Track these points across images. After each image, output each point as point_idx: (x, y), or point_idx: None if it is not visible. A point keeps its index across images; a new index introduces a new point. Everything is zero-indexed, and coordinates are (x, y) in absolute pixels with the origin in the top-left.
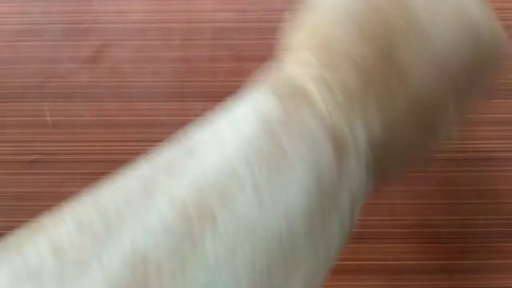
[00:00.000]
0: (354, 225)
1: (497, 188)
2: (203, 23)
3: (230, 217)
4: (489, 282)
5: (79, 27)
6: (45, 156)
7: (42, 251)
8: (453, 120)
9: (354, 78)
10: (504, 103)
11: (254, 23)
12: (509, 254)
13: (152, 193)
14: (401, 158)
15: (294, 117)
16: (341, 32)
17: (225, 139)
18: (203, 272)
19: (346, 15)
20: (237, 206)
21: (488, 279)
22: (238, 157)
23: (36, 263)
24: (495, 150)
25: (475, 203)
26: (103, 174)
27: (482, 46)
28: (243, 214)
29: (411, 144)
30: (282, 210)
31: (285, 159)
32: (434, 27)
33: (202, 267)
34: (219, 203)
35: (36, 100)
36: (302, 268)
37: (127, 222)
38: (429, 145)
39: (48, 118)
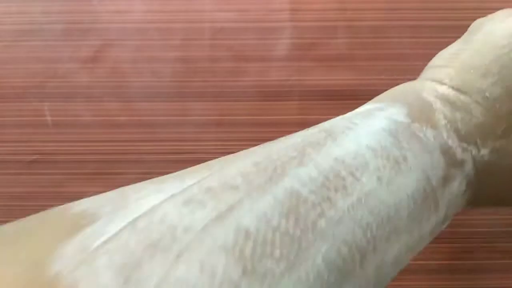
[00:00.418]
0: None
1: None
2: (203, 23)
3: (355, 187)
4: (489, 282)
5: (79, 27)
6: (45, 156)
7: (237, 174)
8: None
9: (478, 107)
10: None
11: (254, 23)
12: (509, 254)
13: (304, 158)
14: (500, 196)
15: (417, 126)
16: (480, 66)
17: (359, 130)
18: (332, 223)
19: (491, 56)
20: (361, 182)
21: (488, 279)
22: (368, 147)
23: (234, 179)
24: None
25: None
26: (103, 174)
27: None
28: (364, 188)
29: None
30: (394, 193)
31: (403, 158)
32: None
33: (333, 218)
34: (350, 176)
35: (36, 100)
36: (398, 243)
37: (286, 169)
38: None
39: (48, 118)
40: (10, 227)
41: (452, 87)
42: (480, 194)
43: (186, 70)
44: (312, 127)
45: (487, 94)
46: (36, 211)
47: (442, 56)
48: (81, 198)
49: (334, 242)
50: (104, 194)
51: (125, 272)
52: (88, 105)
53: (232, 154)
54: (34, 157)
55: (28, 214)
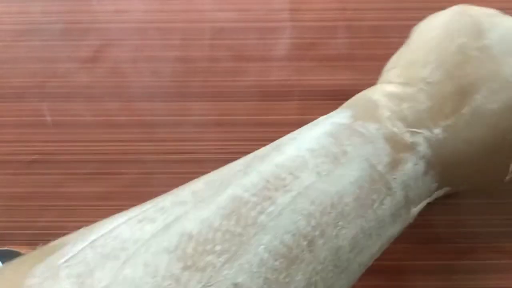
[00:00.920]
0: (412, 218)
1: (497, 188)
2: (203, 23)
3: (294, 184)
4: (488, 282)
5: (79, 27)
6: (45, 156)
7: (188, 193)
8: None
9: (423, 94)
10: None
11: (254, 23)
12: (509, 254)
13: (248, 170)
14: (472, 170)
15: (359, 123)
16: (419, 59)
17: (302, 138)
18: (272, 217)
19: (427, 48)
20: (301, 178)
21: (487, 279)
22: (307, 150)
23: (184, 197)
24: None
25: (474, 203)
26: (102, 174)
27: None
28: (304, 183)
29: (478, 157)
30: (335, 183)
31: (343, 153)
32: (504, 55)
33: (272, 212)
34: (289, 176)
35: (36, 100)
36: (350, 227)
37: (231, 181)
38: (498, 163)
39: (48, 118)
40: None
41: (400, 83)
42: (451, 174)
43: (186, 70)
44: (265, 146)
45: (429, 80)
46: (36, 211)
47: (391, 60)
48: (81, 198)
49: (276, 233)
50: (81, 229)
51: (80, 279)
52: (88, 105)
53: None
54: (34, 157)
55: (28, 214)
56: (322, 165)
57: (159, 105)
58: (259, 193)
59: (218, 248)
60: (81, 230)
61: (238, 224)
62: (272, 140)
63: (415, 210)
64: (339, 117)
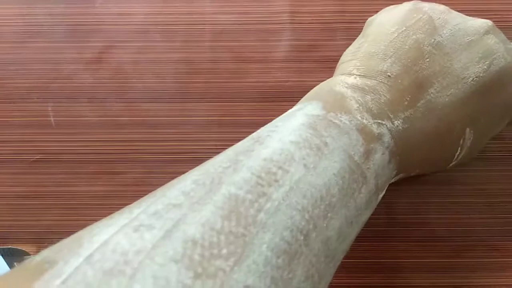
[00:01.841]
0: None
1: (493, 187)
2: (204, 25)
3: (286, 178)
4: (485, 280)
5: (82, 28)
6: (48, 156)
7: (179, 194)
8: (468, 139)
9: (384, 86)
10: None
11: (254, 25)
12: (506, 253)
13: (237, 165)
14: (425, 157)
15: (332, 115)
16: (378, 52)
17: (282, 131)
18: (270, 214)
19: (386, 41)
20: (291, 172)
21: (484, 277)
22: (291, 142)
23: (176, 199)
24: (492, 150)
25: (471, 202)
26: (105, 174)
27: (502, 86)
28: (294, 177)
29: (430, 145)
30: (322, 175)
31: (324, 144)
32: (455, 52)
33: (269, 209)
34: (279, 170)
35: (40, 100)
36: (337, 217)
37: (223, 179)
38: (446, 151)
39: (52, 119)
40: None
41: (359, 75)
42: (407, 161)
43: (187, 71)
44: (242, 140)
45: (389, 74)
46: (40, 210)
47: (348, 53)
48: (84, 197)
49: (275, 230)
50: (60, 241)
51: None
52: (91, 105)
53: (173, 179)
54: (37, 156)
55: (32, 213)
56: (307, 158)
57: (161, 105)
58: (253, 190)
59: (224, 251)
60: (66, 242)
61: (239, 224)
62: None
63: (381, 196)
64: (311, 108)
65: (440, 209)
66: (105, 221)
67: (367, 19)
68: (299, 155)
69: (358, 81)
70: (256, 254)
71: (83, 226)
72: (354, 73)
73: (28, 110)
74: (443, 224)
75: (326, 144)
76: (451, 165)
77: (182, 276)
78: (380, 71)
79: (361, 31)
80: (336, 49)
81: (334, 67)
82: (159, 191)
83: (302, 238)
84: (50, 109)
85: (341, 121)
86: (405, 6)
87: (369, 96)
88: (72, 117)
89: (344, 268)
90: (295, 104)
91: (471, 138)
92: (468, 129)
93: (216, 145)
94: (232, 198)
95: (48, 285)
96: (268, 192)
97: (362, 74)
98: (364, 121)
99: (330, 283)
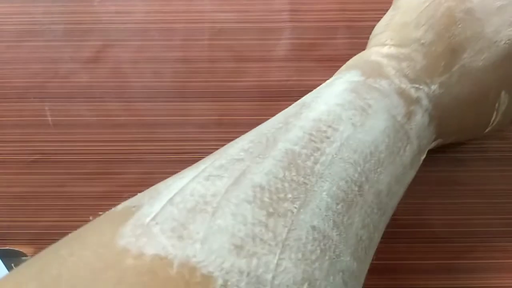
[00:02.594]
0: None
1: (495, 188)
2: (203, 23)
3: (336, 136)
4: (488, 281)
5: (80, 27)
6: (46, 156)
7: (239, 151)
8: (504, 106)
9: (418, 54)
10: None
11: (254, 24)
12: (508, 254)
13: (288, 126)
14: (461, 123)
15: (371, 80)
16: (411, 21)
17: (326, 96)
18: (326, 166)
19: (418, 11)
20: (340, 130)
21: (487, 278)
22: (337, 105)
23: (238, 155)
24: (492, 150)
25: (473, 202)
26: (103, 174)
27: None
28: (344, 135)
29: (466, 110)
30: (369, 133)
31: (368, 106)
32: (486, 17)
33: (325, 161)
34: (329, 128)
35: (37, 100)
36: (386, 173)
37: (278, 138)
38: (482, 116)
39: (49, 118)
40: (71, 234)
41: (393, 45)
42: (445, 125)
43: (186, 71)
44: (289, 106)
45: (422, 41)
46: (37, 210)
47: (380, 25)
48: (82, 198)
49: (332, 180)
50: (138, 194)
51: (176, 233)
52: (89, 105)
53: (229, 143)
54: (35, 157)
55: (29, 214)
56: (354, 117)
57: (160, 105)
58: (307, 146)
59: (289, 196)
60: (145, 193)
61: (299, 174)
62: None
63: (422, 158)
64: (350, 76)
65: (441, 209)
66: (176, 176)
67: (368, 17)
68: (346, 115)
69: (392, 50)
70: (318, 200)
71: (81, 227)
72: (388, 43)
73: (25, 110)
74: (444, 225)
75: (369, 105)
76: (487, 130)
77: (256, 214)
78: (414, 39)
79: (361, 29)
80: (336, 47)
81: (335, 66)
82: (219, 151)
83: (356, 189)
84: (47, 108)
85: (380, 85)
86: None
87: (404, 64)
88: (70, 116)
89: None
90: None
91: (506, 102)
92: (503, 92)
93: (215, 145)
94: (288, 152)
95: (140, 222)
96: (321, 148)
97: (397, 43)
98: (403, 85)
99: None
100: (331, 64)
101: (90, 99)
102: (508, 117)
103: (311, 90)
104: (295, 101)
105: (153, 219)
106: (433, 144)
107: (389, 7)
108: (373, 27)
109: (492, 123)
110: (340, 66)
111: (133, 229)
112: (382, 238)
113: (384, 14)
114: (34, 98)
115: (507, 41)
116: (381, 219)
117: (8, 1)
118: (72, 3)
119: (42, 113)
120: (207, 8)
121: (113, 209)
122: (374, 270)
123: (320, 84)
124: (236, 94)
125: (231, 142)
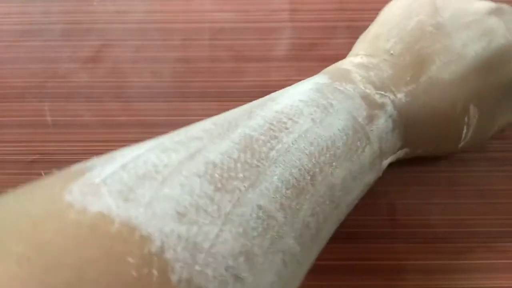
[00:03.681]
0: (381, 170)
1: (496, 188)
2: (203, 23)
3: (295, 127)
4: (488, 282)
5: (79, 27)
6: (45, 156)
7: (200, 130)
8: (473, 116)
9: (386, 63)
10: None
11: (253, 24)
12: (509, 254)
13: (251, 115)
14: (429, 133)
15: (337, 84)
16: (383, 33)
17: (292, 92)
18: (280, 153)
19: (391, 24)
20: (300, 123)
21: (487, 279)
22: (300, 101)
23: (198, 133)
24: (493, 150)
25: (474, 202)
26: None
27: (503, 61)
28: (303, 127)
29: (434, 121)
30: (327, 129)
31: (330, 105)
32: (456, 31)
33: (280, 149)
34: (290, 120)
35: (36, 100)
36: (342, 168)
37: (239, 123)
38: (452, 129)
39: (48, 118)
40: (23, 187)
41: (365, 55)
42: (412, 134)
43: (186, 70)
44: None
45: (392, 52)
46: None
47: (360, 37)
48: None
49: (285, 166)
50: (92, 158)
51: (123, 195)
52: (88, 105)
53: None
54: (34, 157)
55: None
56: (315, 113)
57: (160, 105)
58: (266, 133)
59: (240, 175)
60: (99, 158)
61: (253, 157)
62: None
63: (385, 162)
64: (318, 79)
65: (441, 209)
66: (134, 145)
67: (367, 17)
68: (307, 111)
69: (363, 60)
70: (268, 182)
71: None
72: (360, 53)
73: (24, 110)
74: (445, 225)
75: (331, 105)
76: (460, 145)
77: (204, 187)
78: (384, 50)
79: (361, 29)
80: (336, 47)
81: None
82: (181, 129)
83: (308, 178)
84: (46, 108)
85: (346, 88)
86: None
87: (372, 72)
88: (69, 116)
89: (345, 269)
90: None
91: (477, 116)
92: (471, 106)
93: None
94: (247, 137)
95: (89, 182)
96: (279, 136)
97: (368, 53)
98: (367, 90)
99: (331, 285)
100: (330, 63)
101: (89, 99)
102: (482, 133)
103: None
104: None
105: (103, 180)
106: (400, 153)
107: None
108: None
109: (465, 138)
110: None
111: (82, 187)
112: (382, 238)
113: None
114: (33, 98)
115: (474, 55)
116: (333, 212)
117: (6, 0)
118: (71, 3)
119: (41, 113)
120: (207, 8)
121: (67, 168)
122: (374, 270)
123: None
124: (236, 94)
125: (195, 123)
